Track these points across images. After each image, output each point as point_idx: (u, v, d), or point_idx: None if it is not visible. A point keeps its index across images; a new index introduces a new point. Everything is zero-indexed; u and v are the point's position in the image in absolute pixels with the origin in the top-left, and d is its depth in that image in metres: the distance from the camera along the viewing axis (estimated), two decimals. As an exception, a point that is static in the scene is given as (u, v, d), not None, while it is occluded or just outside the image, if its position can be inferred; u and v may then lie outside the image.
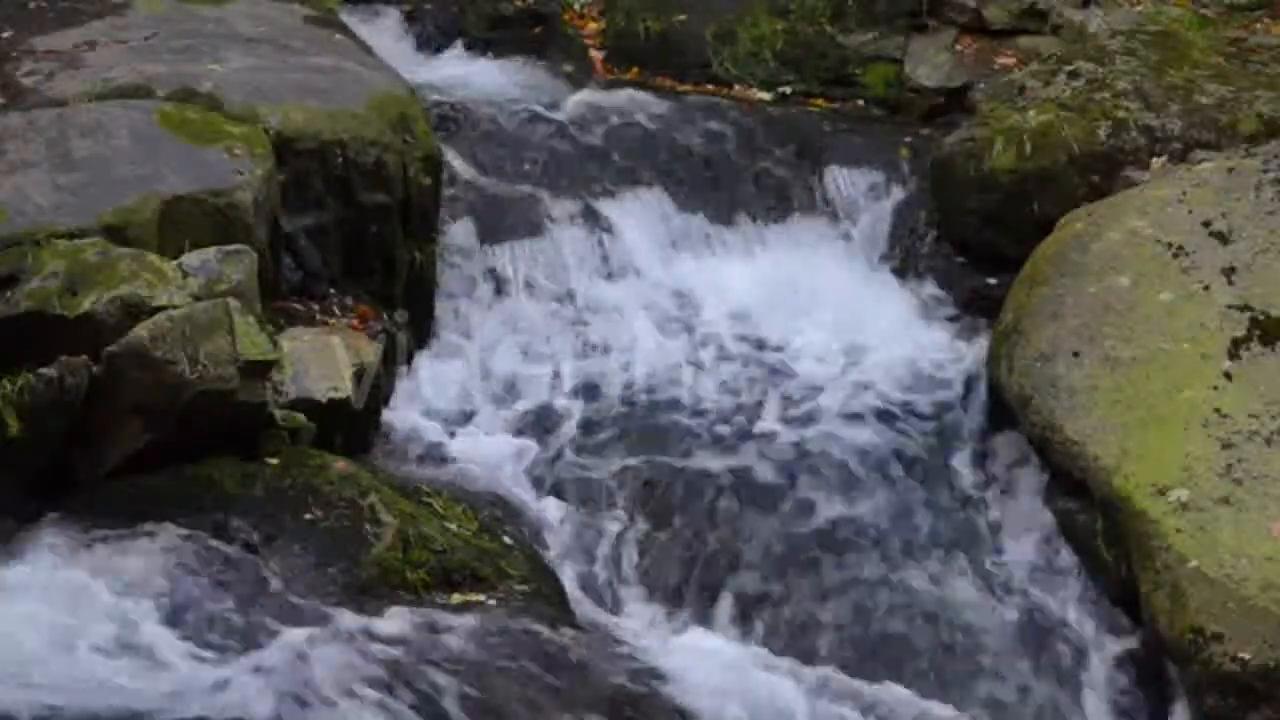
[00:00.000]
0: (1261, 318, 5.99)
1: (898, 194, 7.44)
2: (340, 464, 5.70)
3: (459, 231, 7.04)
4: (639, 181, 7.41)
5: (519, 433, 6.46)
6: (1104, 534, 5.76)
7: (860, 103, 8.22)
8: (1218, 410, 5.73)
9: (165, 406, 5.48)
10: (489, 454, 6.32)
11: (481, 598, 5.37)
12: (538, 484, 6.22)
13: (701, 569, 5.95)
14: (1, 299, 5.54)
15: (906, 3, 8.29)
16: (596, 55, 8.56)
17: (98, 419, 5.49)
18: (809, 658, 5.66)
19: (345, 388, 5.96)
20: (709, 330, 6.92)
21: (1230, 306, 6.06)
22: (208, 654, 4.97)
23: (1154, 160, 6.90)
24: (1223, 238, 6.30)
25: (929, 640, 5.73)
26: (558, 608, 5.52)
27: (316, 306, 6.41)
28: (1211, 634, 5.23)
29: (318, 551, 5.35)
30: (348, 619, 5.12)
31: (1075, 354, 6.09)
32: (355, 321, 6.38)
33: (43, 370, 5.41)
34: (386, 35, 8.41)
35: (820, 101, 8.19)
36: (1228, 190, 6.47)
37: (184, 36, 7.13)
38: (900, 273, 7.25)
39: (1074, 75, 7.27)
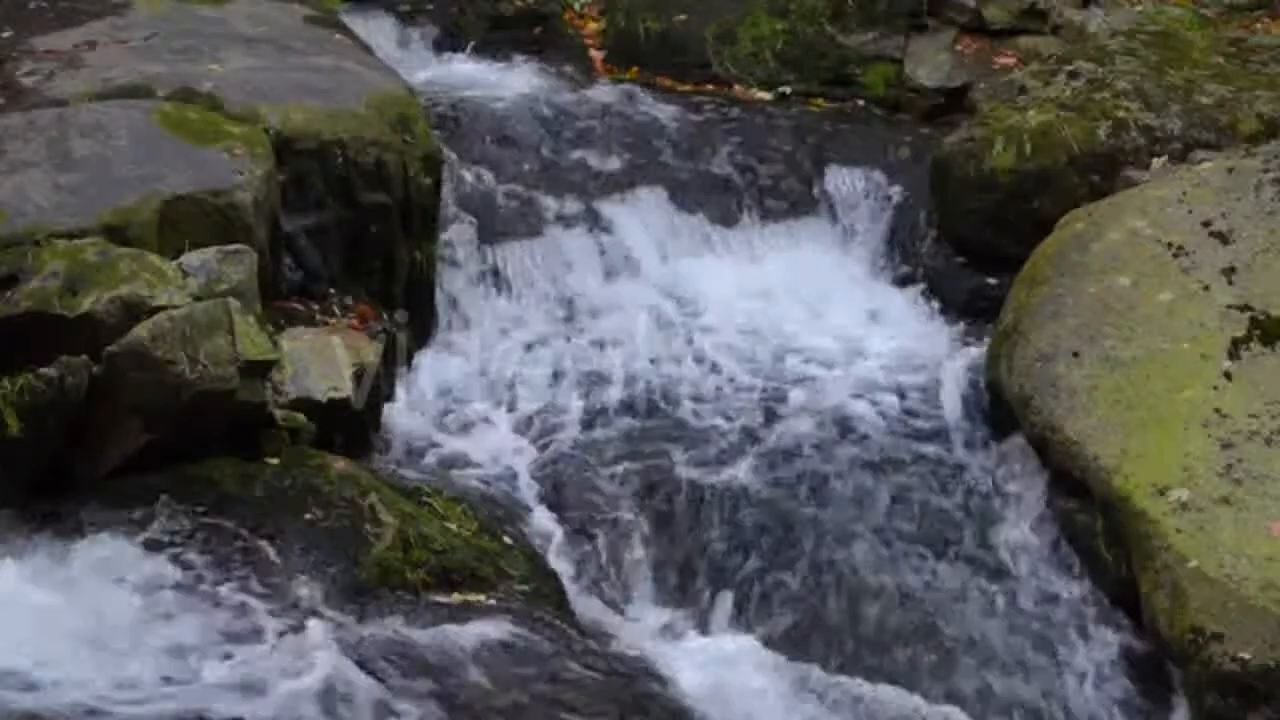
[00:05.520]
0: (1261, 318, 5.99)
1: (898, 194, 7.45)
2: (340, 464, 5.70)
3: (459, 231, 7.04)
4: (639, 181, 7.41)
5: (519, 433, 6.46)
6: (1104, 534, 5.76)
7: (860, 103, 8.22)
8: (1218, 410, 5.73)
9: (165, 406, 5.48)
10: (489, 454, 6.33)
11: (481, 598, 5.36)
12: (538, 484, 6.21)
13: (701, 569, 5.95)
14: (1, 299, 5.54)
15: (906, 3, 8.29)
16: (596, 55, 8.57)
17: (98, 419, 5.48)
18: (808, 658, 5.66)
19: (345, 388, 5.96)
20: (708, 330, 6.91)
21: (1230, 306, 6.06)
22: (206, 654, 4.96)
23: (1154, 160, 6.90)
24: (1223, 238, 6.30)
25: (928, 640, 5.73)
26: (558, 608, 5.51)
27: (316, 306, 6.41)
28: (1211, 634, 5.23)
29: (318, 551, 5.34)
30: (348, 619, 5.12)
31: (1075, 354, 6.09)
32: (355, 321, 6.38)
33: (43, 370, 5.40)
34: (386, 35, 8.41)
35: (820, 101, 8.20)
36: (1228, 190, 6.47)
37: (184, 36, 7.14)
38: (900, 273, 7.25)
39: (1074, 75, 7.27)
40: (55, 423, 5.43)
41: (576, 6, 8.83)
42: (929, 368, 6.73)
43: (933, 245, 7.25)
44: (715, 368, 6.75)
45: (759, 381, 6.66)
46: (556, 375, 6.70)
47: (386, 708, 4.83)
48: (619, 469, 6.22)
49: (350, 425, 5.99)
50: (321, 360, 6.00)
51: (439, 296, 6.87)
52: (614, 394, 6.60)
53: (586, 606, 5.74)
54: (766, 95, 8.21)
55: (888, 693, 5.55)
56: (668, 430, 6.40)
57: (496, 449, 6.36)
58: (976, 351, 6.71)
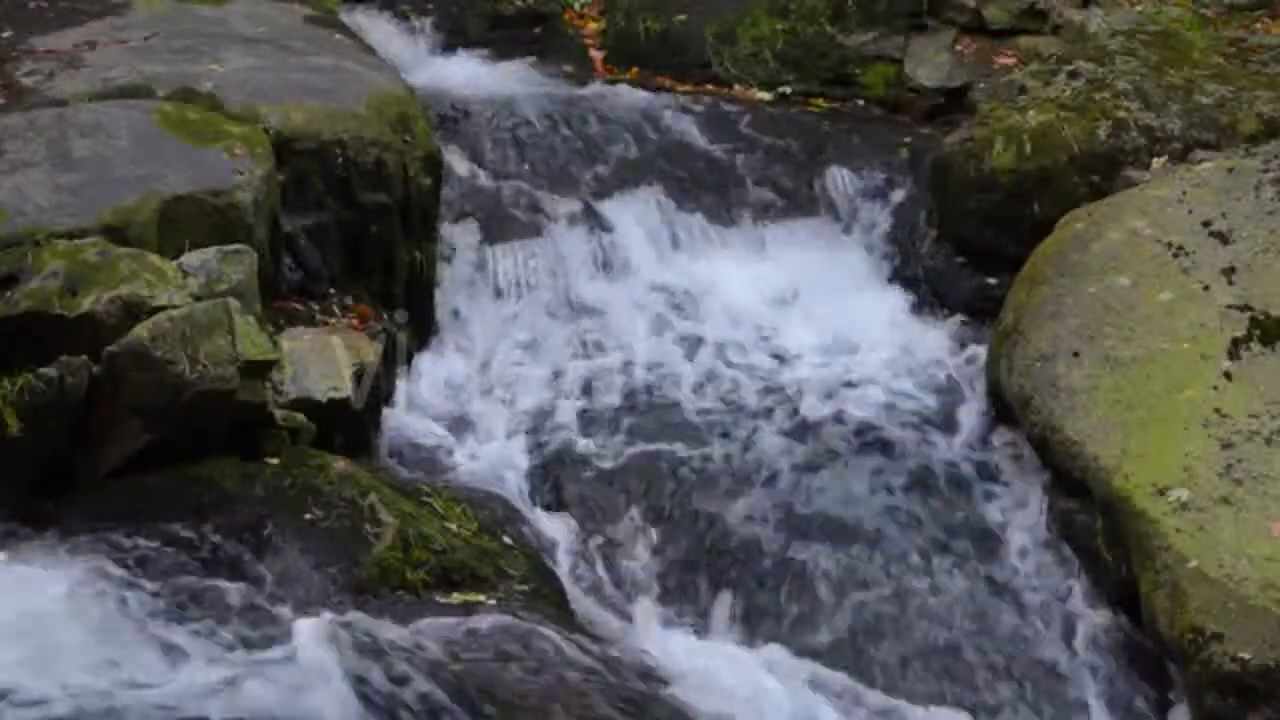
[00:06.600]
0: (1261, 318, 5.99)
1: (898, 194, 7.45)
2: (340, 464, 5.70)
3: (459, 231, 7.05)
4: (639, 181, 7.41)
5: (519, 432, 6.46)
6: (1104, 534, 5.76)
7: (860, 103, 8.23)
8: (1218, 410, 5.73)
9: (165, 406, 5.48)
10: (489, 454, 6.33)
11: (481, 598, 5.36)
12: (537, 484, 6.22)
13: (701, 569, 5.95)
14: (1, 299, 5.54)
15: (906, 3, 8.30)
16: (596, 55, 8.58)
17: (98, 419, 5.49)
18: (808, 658, 5.66)
19: (345, 388, 5.96)
20: (708, 330, 6.92)
21: (1230, 306, 6.05)
22: (206, 655, 4.96)
23: (1154, 160, 6.90)
24: (1223, 238, 6.30)
25: (928, 640, 5.73)
26: (558, 608, 5.51)
27: (316, 306, 6.41)
28: (1211, 634, 5.22)
29: (318, 551, 5.35)
30: (347, 619, 5.12)
31: (1075, 354, 6.09)
32: (355, 321, 6.38)
33: (43, 370, 5.41)
34: (386, 35, 8.41)
35: (820, 101, 8.20)
36: (1228, 190, 6.47)
37: (184, 36, 7.14)
38: (900, 273, 7.26)
39: (1074, 75, 7.27)
40: (55, 423, 5.43)
41: (576, 6, 8.84)
42: (929, 368, 6.73)
43: (933, 245, 7.25)
44: (714, 368, 6.75)
45: (758, 381, 6.67)
46: (556, 375, 6.70)
47: (385, 708, 4.83)
48: (618, 468, 6.23)
49: (350, 425, 5.99)
50: (321, 360, 6.00)
51: (439, 296, 6.87)
52: (614, 393, 6.60)
53: (586, 606, 5.74)
54: (766, 95, 8.21)
55: (886, 693, 5.55)
56: (667, 430, 6.41)
57: (496, 449, 6.37)
58: (976, 351, 6.72)
